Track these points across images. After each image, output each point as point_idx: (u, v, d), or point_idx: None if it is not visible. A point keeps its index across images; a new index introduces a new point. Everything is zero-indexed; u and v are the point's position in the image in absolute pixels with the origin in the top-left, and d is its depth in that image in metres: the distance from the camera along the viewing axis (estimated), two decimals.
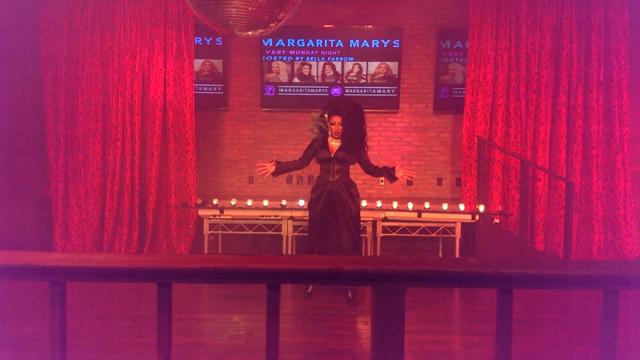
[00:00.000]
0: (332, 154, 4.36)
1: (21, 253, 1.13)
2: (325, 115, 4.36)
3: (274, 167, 4.49)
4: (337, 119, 4.29)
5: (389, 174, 4.36)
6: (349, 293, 4.41)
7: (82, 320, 3.74)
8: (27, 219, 5.88)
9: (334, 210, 4.32)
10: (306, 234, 5.37)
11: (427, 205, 5.43)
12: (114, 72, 5.69)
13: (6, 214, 5.67)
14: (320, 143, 4.43)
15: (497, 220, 5.50)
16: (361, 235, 4.47)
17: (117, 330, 3.65)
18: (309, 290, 4.52)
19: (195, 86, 5.86)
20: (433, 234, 5.44)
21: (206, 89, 6.11)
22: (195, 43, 5.83)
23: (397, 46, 5.95)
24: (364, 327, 3.83)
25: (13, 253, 1.12)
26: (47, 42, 5.67)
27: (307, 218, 4.78)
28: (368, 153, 4.52)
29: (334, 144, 4.39)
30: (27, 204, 5.89)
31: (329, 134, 4.39)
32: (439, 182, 6.20)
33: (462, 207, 5.49)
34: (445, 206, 5.43)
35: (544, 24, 5.54)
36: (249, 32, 3.33)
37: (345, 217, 4.31)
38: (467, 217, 5.36)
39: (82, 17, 5.65)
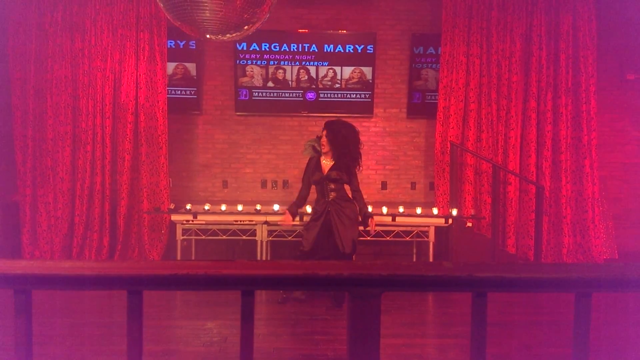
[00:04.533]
0: (325, 174, 4.39)
1: None
2: (319, 137, 4.50)
3: (291, 216, 4.50)
4: (324, 133, 4.41)
5: (363, 219, 4.46)
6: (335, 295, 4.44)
7: (50, 328, 3.64)
8: None
9: (329, 229, 4.36)
10: (281, 239, 5.36)
11: (401, 209, 5.47)
12: (84, 75, 5.58)
13: None
14: (313, 164, 4.49)
15: (469, 224, 5.57)
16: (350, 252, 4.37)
17: (87, 339, 3.56)
18: (280, 299, 4.46)
19: (168, 90, 5.78)
20: (407, 238, 5.47)
21: (179, 92, 6.03)
22: (168, 46, 5.76)
23: (371, 51, 5.99)
24: (340, 332, 3.81)
25: None
26: (15, 43, 5.53)
27: (280, 222, 4.81)
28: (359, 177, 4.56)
29: (326, 162, 4.44)
30: None
31: (321, 152, 4.47)
32: (413, 186, 6.25)
33: (435, 211, 5.54)
34: (419, 210, 5.48)
35: (514, 31, 5.65)
36: (223, 36, 3.30)
37: (338, 234, 4.33)
38: (441, 221, 5.41)
39: (52, 18, 5.53)
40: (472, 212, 5.69)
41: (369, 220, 4.40)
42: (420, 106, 6.14)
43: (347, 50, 6.00)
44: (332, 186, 4.39)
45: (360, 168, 4.52)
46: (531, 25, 5.67)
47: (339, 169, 4.36)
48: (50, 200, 5.62)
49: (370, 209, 4.72)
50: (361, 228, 4.60)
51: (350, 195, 4.49)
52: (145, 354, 1.15)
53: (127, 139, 5.61)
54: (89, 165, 5.60)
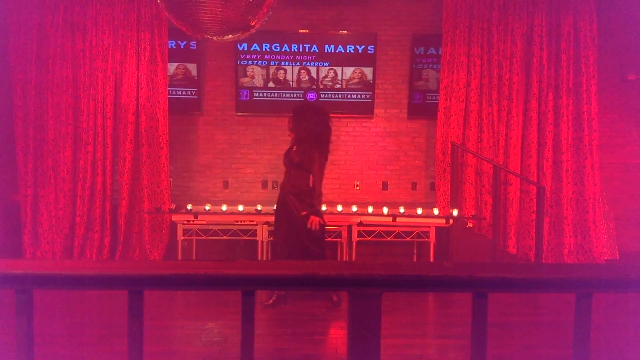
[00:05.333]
0: (287, 158, 4.31)
1: None
2: None
3: (316, 217, 4.19)
4: (289, 117, 4.36)
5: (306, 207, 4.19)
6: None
7: (51, 328, 3.64)
8: None
9: (286, 216, 4.26)
10: None
11: (402, 209, 5.47)
12: (86, 76, 5.58)
13: None
14: (287, 150, 4.41)
15: (470, 225, 5.57)
16: (318, 244, 4.25)
17: (88, 339, 3.57)
18: (271, 302, 4.34)
19: (169, 90, 5.79)
20: (408, 238, 5.47)
21: (180, 93, 6.04)
22: (169, 47, 5.76)
23: (372, 52, 5.99)
24: (340, 333, 3.82)
25: None
26: (17, 44, 5.54)
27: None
28: (323, 171, 4.31)
29: (294, 148, 4.32)
30: None
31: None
32: (414, 186, 6.25)
33: (436, 211, 5.54)
34: (419, 210, 5.48)
35: (515, 32, 5.65)
36: (223, 36, 3.30)
37: (292, 225, 4.22)
38: (441, 222, 5.41)
39: (53, 19, 5.54)
40: (473, 212, 5.68)
41: (310, 217, 4.14)
42: (421, 106, 6.14)
43: (347, 51, 6.00)
44: (293, 172, 4.24)
45: (323, 156, 4.24)
46: (532, 25, 5.67)
47: (299, 153, 4.19)
48: (51, 200, 5.63)
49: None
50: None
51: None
52: (146, 354, 1.15)
53: (128, 139, 5.61)
54: (90, 165, 5.61)
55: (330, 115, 4.36)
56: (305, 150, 4.18)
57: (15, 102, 5.58)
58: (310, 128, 4.17)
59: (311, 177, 4.20)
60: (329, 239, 5.43)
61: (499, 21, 5.66)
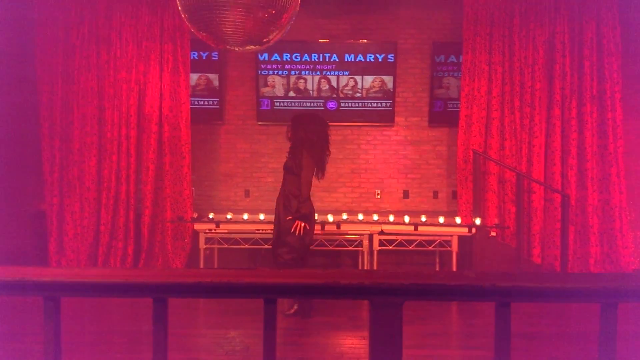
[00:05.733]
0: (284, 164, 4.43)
1: (16, 268, 1.11)
2: None
3: (301, 222, 4.21)
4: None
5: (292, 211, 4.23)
6: (294, 305, 4.36)
7: (76, 336, 3.70)
8: (22, 234, 5.84)
9: (276, 221, 4.38)
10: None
11: (423, 218, 5.43)
12: (110, 87, 5.69)
13: (1, 229, 5.64)
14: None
15: (493, 234, 5.50)
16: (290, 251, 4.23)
17: (112, 346, 3.61)
18: (292, 311, 4.36)
19: (191, 100, 5.87)
20: (430, 247, 5.43)
21: (202, 102, 6.12)
22: (192, 57, 5.85)
23: (392, 60, 5.99)
24: (362, 342, 3.80)
25: (8, 268, 1.11)
26: (43, 57, 5.68)
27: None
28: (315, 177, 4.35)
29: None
30: (22, 218, 5.86)
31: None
32: (435, 195, 6.20)
33: (458, 220, 5.50)
34: (441, 219, 5.44)
35: (536, 39, 5.60)
36: (245, 47, 3.35)
37: (278, 230, 4.31)
38: (464, 230, 5.36)
39: (79, 32, 5.67)
40: (496, 221, 5.62)
41: (295, 222, 4.17)
42: (442, 114, 6.11)
43: (367, 60, 6.02)
44: (286, 177, 4.35)
45: (314, 161, 4.24)
46: (554, 32, 5.61)
47: (291, 158, 4.29)
48: (76, 209, 5.73)
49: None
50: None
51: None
52: None
53: (152, 148, 5.70)
54: (114, 174, 5.70)
55: (330, 124, 4.47)
56: (296, 154, 4.26)
57: (41, 113, 5.71)
58: (307, 136, 4.25)
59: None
60: (350, 247, 5.43)
61: (520, 28, 5.61)
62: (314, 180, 4.33)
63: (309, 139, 4.24)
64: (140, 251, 5.75)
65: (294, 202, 4.21)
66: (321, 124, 4.35)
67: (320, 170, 4.38)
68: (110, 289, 1.11)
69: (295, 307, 4.36)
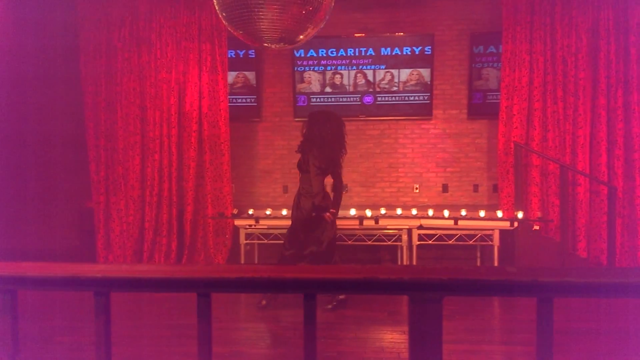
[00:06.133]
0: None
1: (69, 265, 1.17)
2: None
3: (323, 212, 4.38)
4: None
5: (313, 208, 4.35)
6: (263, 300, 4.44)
7: (121, 329, 3.83)
8: (71, 231, 6.09)
9: (295, 215, 4.51)
10: (343, 243, 5.40)
11: (463, 212, 5.36)
12: (151, 87, 5.84)
13: (52, 226, 5.89)
14: None
15: (536, 227, 5.37)
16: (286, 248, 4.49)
17: (158, 339, 3.72)
18: (263, 303, 4.44)
19: (229, 98, 5.95)
20: (470, 242, 5.36)
21: (240, 100, 6.20)
22: (229, 56, 5.93)
23: (429, 52, 5.92)
24: (402, 337, 3.79)
25: (62, 265, 1.17)
26: (87, 59, 5.87)
27: (341, 227, 4.99)
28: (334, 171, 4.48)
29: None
30: (71, 216, 6.11)
31: None
32: (476, 188, 6.11)
33: (499, 214, 5.40)
34: (482, 213, 5.35)
35: (579, 26, 5.42)
36: (281, 44, 3.37)
37: (300, 224, 4.43)
38: (506, 224, 5.26)
39: (120, 34, 5.83)
40: (539, 214, 5.49)
41: (321, 215, 4.35)
42: (482, 106, 6.00)
43: (404, 53, 5.96)
44: (301, 176, 4.47)
45: (323, 156, 4.30)
46: (598, 19, 5.41)
47: (304, 155, 4.41)
48: (122, 207, 5.91)
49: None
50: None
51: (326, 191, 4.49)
52: (213, 354, 1.20)
53: (192, 147, 5.82)
54: (157, 173, 5.85)
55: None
56: (305, 152, 4.37)
57: (86, 114, 5.91)
58: (321, 134, 4.31)
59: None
60: (388, 242, 5.41)
61: (562, 16, 5.45)
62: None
63: (322, 137, 4.31)
64: (183, 247, 5.88)
65: (312, 200, 4.32)
66: (337, 123, 4.41)
67: (333, 168, 4.45)
68: (158, 284, 1.15)
69: (335, 302, 4.39)
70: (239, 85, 6.20)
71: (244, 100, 6.21)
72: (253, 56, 6.15)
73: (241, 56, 6.15)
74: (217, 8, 3.22)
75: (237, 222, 5.57)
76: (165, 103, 5.83)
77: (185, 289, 1.15)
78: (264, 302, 4.43)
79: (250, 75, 6.18)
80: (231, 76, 6.10)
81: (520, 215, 5.28)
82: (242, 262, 5.53)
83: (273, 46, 3.41)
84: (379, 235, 5.42)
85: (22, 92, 5.73)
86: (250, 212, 5.64)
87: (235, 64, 6.11)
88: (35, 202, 5.85)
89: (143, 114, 5.89)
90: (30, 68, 5.74)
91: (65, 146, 5.99)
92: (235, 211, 5.84)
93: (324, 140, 4.29)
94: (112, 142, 5.91)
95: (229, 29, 3.37)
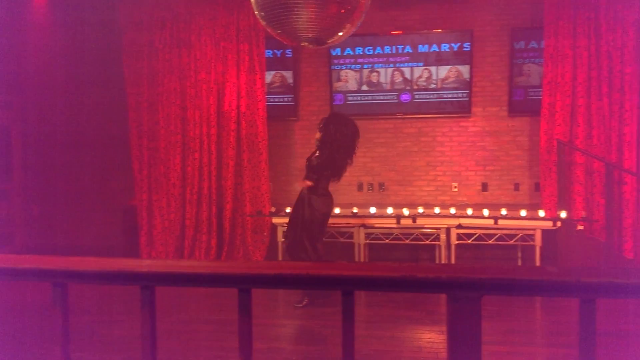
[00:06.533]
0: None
1: (116, 260, 1.22)
2: None
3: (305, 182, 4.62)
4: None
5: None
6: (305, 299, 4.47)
7: (164, 324, 3.93)
8: (115, 228, 6.29)
9: (298, 215, 4.55)
10: (378, 242, 5.39)
11: (503, 211, 5.26)
12: (191, 87, 5.96)
13: (97, 223, 6.10)
14: None
15: (580, 227, 5.23)
16: (314, 242, 4.50)
17: (199, 334, 3.81)
18: (305, 302, 4.48)
19: (266, 97, 6.02)
20: (511, 242, 5.26)
21: (277, 100, 6.26)
22: (266, 56, 5.99)
23: (468, 49, 5.83)
24: (440, 337, 3.76)
25: (109, 260, 1.22)
26: (130, 61, 6.04)
27: (378, 225, 5.11)
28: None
29: (317, 154, 4.61)
30: (115, 213, 6.31)
31: None
32: (516, 187, 5.98)
33: (542, 213, 5.27)
34: (523, 212, 5.24)
35: (625, 20, 5.23)
36: (318, 43, 3.39)
37: (298, 221, 4.50)
38: (548, 224, 5.14)
39: (161, 36, 5.98)
40: (584, 214, 5.33)
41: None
42: (523, 103, 5.87)
43: (442, 50, 5.89)
44: (309, 175, 4.53)
45: (331, 156, 4.44)
46: None
47: (318, 157, 4.50)
48: (163, 204, 6.06)
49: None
50: None
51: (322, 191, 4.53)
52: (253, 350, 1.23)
53: (231, 146, 5.91)
54: (197, 171, 5.97)
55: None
56: (321, 149, 4.48)
57: (130, 115, 6.08)
58: (336, 136, 4.40)
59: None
60: (426, 241, 5.36)
61: (607, 10, 5.27)
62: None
63: (337, 139, 4.40)
64: (223, 244, 5.99)
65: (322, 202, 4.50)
66: (353, 130, 4.50)
67: (337, 174, 4.57)
68: (201, 280, 1.19)
69: (306, 300, 4.46)
70: (276, 84, 6.26)
71: (281, 100, 6.26)
72: (290, 55, 6.19)
73: (278, 56, 6.21)
74: (254, 8, 3.26)
75: (275, 220, 5.63)
76: (204, 103, 5.94)
77: (227, 285, 1.18)
78: (305, 301, 4.46)
79: (288, 75, 6.23)
80: (269, 76, 6.17)
81: (563, 214, 5.15)
82: (280, 259, 5.59)
83: (310, 45, 3.43)
84: (417, 235, 5.38)
85: (79, 95, 6.00)
86: (288, 210, 5.68)
87: (272, 64, 6.17)
88: (84, 200, 6.08)
89: (184, 113, 6.02)
90: (81, 70, 5.98)
91: (108, 146, 6.19)
92: (272, 209, 5.90)
93: (342, 145, 4.42)
94: (154, 142, 6.06)
95: (267, 28, 3.41)
